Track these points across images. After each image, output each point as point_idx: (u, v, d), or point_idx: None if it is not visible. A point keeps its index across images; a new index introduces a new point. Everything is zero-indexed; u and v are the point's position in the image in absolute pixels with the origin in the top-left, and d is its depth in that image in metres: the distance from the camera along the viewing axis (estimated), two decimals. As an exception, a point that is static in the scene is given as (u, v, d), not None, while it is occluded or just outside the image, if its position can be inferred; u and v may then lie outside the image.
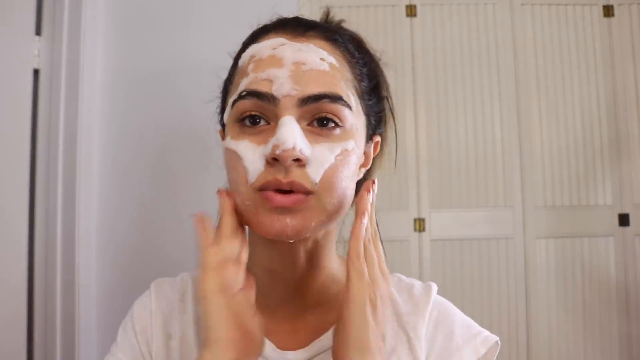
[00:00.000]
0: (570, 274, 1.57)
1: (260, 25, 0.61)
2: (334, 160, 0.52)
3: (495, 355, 0.61)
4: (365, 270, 0.51)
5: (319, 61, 0.54)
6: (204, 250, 0.51)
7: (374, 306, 0.50)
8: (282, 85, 0.52)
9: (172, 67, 1.26)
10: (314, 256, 0.59)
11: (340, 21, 0.66)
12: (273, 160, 0.50)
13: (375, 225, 0.55)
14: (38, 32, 1.20)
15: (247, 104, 0.53)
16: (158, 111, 1.26)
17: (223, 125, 0.60)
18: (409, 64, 1.59)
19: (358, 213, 0.53)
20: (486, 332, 0.61)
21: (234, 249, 0.52)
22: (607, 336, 1.56)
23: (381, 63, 0.66)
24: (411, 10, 1.60)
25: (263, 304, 0.60)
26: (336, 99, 0.53)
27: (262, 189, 0.51)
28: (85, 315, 1.16)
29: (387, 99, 0.65)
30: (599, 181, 1.60)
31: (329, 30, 0.59)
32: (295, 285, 0.59)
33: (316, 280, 0.60)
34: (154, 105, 1.26)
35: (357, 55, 0.59)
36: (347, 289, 0.50)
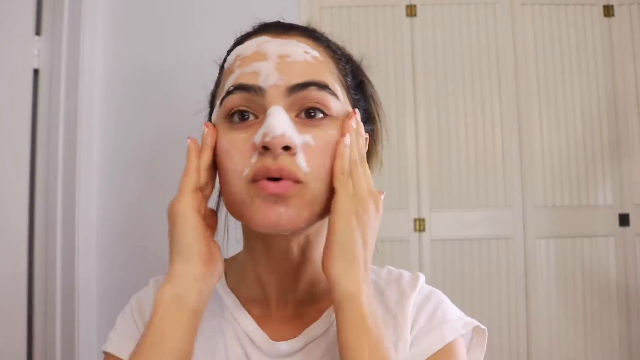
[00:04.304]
0: (570, 274, 1.57)
1: (243, 33, 0.62)
2: (322, 149, 0.53)
3: (485, 343, 0.62)
4: (350, 184, 0.53)
5: (303, 53, 0.55)
6: (187, 175, 0.55)
7: (359, 218, 0.52)
8: (269, 76, 0.53)
9: (172, 67, 1.26)
10: (305, 251, 0.60)
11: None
12: (263, 149, 0.51)
13: (363, 151, 0.57)
14: (38, 32, 1.20)
15: (235, 98, 0.54)
16: (157, 110, 1.26)
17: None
18: (409, 64, 1.59)
19: (342, 134, 0.54)
20: (470, 319, 0.62)
21: (205, 181, 0.56)
22: (607, 336, 1.55)
23: (362, 65, 0.66)
24: (411, 10, 1.60)
25: (257, 296, 0.62)
26: (323, 86, 0.54)
27: (254, 179, 0.52)
28: (85, 314, 1.16)
29: (372, 98, 0.65)
30: (599, 181, 1.59)
31: (310, 30, 0.60)
32: (287, 280, 0.60)
33: (308, 275, 0.61)
34: (154, 105, 1.26)
35: (339, 52, 0.61)
36: (334, 201, 0.52)
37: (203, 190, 0.56)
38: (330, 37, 0.64)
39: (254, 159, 0.52)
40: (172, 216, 0.53)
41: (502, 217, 1.58)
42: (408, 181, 1.56)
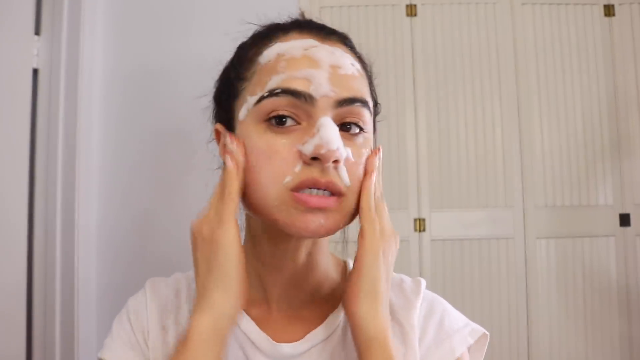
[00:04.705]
0: (570, 274, 1.57)
1: (273, 23, 0.60)
2: (359, 164, 0.54)
3: (485, 347, 0.63)
4: (377, 222, 0.53)
5: (350, 66, 0.55)
6: (230, 202, 0.52)
7: (385, 257, 0.53)
8: (321, 85, 0.52)
9: (171, 66, 1.26)
10: (312, 255, 0.60)
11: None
12: (312, 160, 0.50)
13: (382, 188, 0.57)
14: (37, 31, 1.20)
15: (279, 101, 0.52)
16: (157, 110, 1.26)
17: (223, 124, 0.59)
18: (409, 63, 1.59)
19: (367, 171, 0.54)
20: (474, 324, 0.62)
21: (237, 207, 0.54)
22: (608, 336, 1.55)
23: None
24: (411, 10, 1.60)
25: (260, 297, 0.61)
26: (365, 103, 0.55)
27: (297, 188, 0.51)
28: (84, 315, 1.16)
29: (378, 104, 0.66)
30: (600, 181, 1.59)
31: (346, 38, 0.60)
32: (292, 282, 0.60)
33: (312, 277, 0.61)
34: (153, 105, 1.26)
35: (366, 62, 0.61)
36: (362, 239, 0.53)
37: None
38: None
39: (297, 168, 0.51)
40: (214, 244, 0.52)
41: (502, 217, 1.57)
42: (408, 181, 1.56)
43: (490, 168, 1.58)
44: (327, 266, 0.63)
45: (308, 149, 0.50)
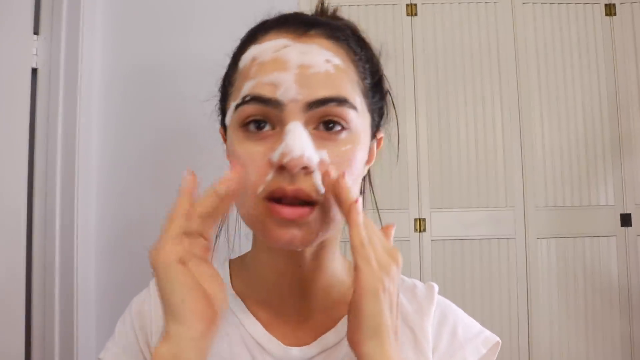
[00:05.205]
0: (571, 275, 1.57)
1: (259, 22, 0.59)
2: (337, 166, 0.51)
3: (496, 355, 0.62)
4: (372, 255, 0.49)
5: (324, 63, 0.52)
6: (169, 221, 0.49)
7: (385, 290, 0.49)
8: (288, 89, 0.50)
9: (171, 66, 1.26)
10: (318, 258, 0.58)
11: (335, 10, 0.64)
12: (280, 168, 0.49)
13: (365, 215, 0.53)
14: (36, 31, 1.19)
15: (250, 109, 0.51)
16: (157, 110, 1.25)
17: (224, 126, 0.59)
18: (409, 63, 1.59)
19: (350, 203, 0.50)
20: (487, 332, 0.62)
21: (199, 229, 0.50)
22: (609, 336, 1.55)
23: (378, 53, 0.64)
24: (412, 9, 1.60)
25: (268, 301, 0.60)
26: (342, 101, 0.52)
27: (268, 198, 0.50)
28: (83, 315, 1.16)
29: (389, 92, 0.64)
30: (601, 181, 1.59)
31: (331, 28, 0.57)
32: (300, 286, 0.59)
33: (321, 281, 0.59)
34: (153, 104, 1.25)
35: (359, 51, 0.58)
36: (357, 277, 0.49)
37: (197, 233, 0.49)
38: (350, 25, 0.61)
39: (269, 177, 0.50)
40: (155, 270, 0.48)
41: (503, 217, 1.57)
42: (408, 181, 1.56)
43: (491, 168, 1.58)
44: (336, 269, 0.61)
45: (275, 156, 0.49)
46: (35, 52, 1.18)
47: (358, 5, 1.59)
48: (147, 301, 0.63)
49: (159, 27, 1.27)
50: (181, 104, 1.22)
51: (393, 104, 0.64)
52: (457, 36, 1.60)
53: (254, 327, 0.59)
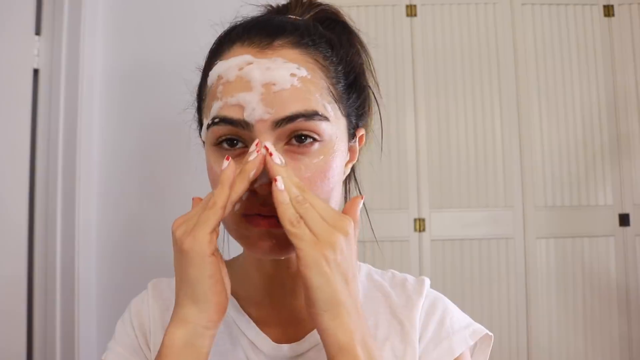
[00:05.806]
0: (570, 274, 1.57)
1: (227, 29, 0.59)
2: (310, 179, 0.52)
3: (489, 349, 0.62)
4: (305, 230, 0.48)
5: (290, 77, 0.52)
6: (209, 212, 0.49)
7: (330, 262, 0.48)
8: (254, 110, 0.50)
9: (172, 67, 1.26)
10: None
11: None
12: (253, 191, 0.50)
13: (301, 182, 0.52)
14: (38, 31, 1.20)
15: (221, 129, 0.52)
16: (158, 110, 1.25)
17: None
18: (409, 63, 1.59)
19: (277, 186, 0.50)
20: (477, 325, 0.62)
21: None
22: (608, 336, 1.55)
23: (361, 36, 0.63)
24: (411, 10, 1.60)
25: (259, 300, 0.61)
26: (311, 115, 0.51)
27: (245, 214, 0.51)
28: (84, 315, 1.16)
29: (369, 86, 0.63)
30: (600, 181, 1.59)
31: (298, 34, 0.55)
32: (290, 287, 0.60)
33: None
34: (154, 105, 1.25)
35: (330, 54, 0.56)
36: (296, 255, 0.48)
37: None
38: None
39: (244, 197, 0.50)
40: (183, 254, 0.49)
41: (502, 217, 1.57)
42: (408, 181, 1.56)
43: (490, 168, 1.58)
44: None
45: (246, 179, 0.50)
46: (36, 53, 1.18)
47: (358, 6, 1.59)
48: (146, 302, 0.64)
49: (160, 28, 1.27)
50: (182, 105, 1.22)
51: (375, 97, 0.63)
52: (457, 37, 1.60)
53: (247, 325, 0.60)
